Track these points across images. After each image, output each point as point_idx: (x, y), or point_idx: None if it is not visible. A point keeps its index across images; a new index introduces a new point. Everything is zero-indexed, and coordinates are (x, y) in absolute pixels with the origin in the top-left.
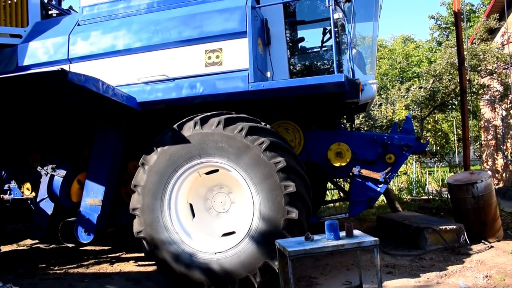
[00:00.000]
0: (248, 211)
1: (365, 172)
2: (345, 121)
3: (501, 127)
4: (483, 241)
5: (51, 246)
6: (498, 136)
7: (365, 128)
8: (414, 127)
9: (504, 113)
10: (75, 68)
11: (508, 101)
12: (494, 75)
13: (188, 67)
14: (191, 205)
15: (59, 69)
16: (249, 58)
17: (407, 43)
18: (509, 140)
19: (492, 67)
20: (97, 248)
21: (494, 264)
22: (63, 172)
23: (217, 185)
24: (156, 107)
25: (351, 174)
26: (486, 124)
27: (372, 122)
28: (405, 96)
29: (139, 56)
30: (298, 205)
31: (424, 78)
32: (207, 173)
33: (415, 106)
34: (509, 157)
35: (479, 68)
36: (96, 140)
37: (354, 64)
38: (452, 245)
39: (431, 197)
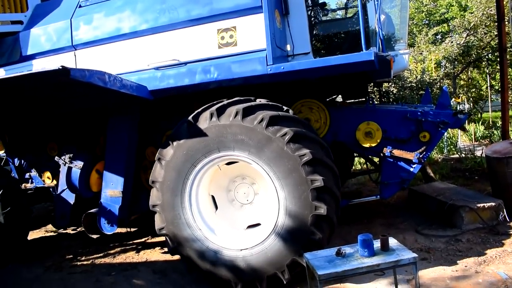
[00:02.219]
0: (273, 206)
1: (397, 152)
2: (372, 86)
3: None
4: None
5: (78, 229)
6: None
7: (394, 91)
8: (447, 85)
9: None
10: (81, 55)
11: None
12: None
13: (200, 49)
14: (213, 197)
15: (61, 67)
16: (266, 37)
17: None
18: None
19: None
20: (123, 230)
21: None
22: (80, 164)
23: (239, 175)
24: (168, 94)
25: (382, 154)
26: None
27: (401, 83)
28: (434, 49)
29: (147, 39)
30: (326, 199)
31: (458, 31)
32: (228, 164)
33: (447, 63)
34: None
35: None
36: (109, 130)
37: (383, 33)
38: (490, 224)
39: (463, 155)
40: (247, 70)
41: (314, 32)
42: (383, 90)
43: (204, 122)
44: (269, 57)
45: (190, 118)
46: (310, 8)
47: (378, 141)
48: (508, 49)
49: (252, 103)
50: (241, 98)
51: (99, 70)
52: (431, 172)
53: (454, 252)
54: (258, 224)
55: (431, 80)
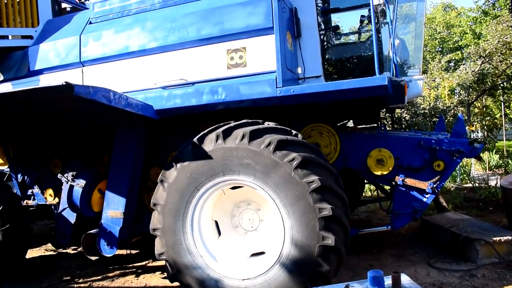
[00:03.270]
0: (279, 234)
1: (410, 181)
2: (384, 112)
3: None
4: None
5: (78, 249)
6: None
7: (407, 117)
8: (461, 113)
9: None
10: (88, 71)
11: None
12: None
13: (208, 69)
14: (216, 223)
15: (64, 83)
16: (277, 58)
17: (448, 10)
18: None
19: None
20: (124, 252)
21: None
22: (82, 182)
23: (244, 200)
24: (175, 114)
25: (393, 183)
26: None
27: (414, 109)
28: (448, 76)
29: (155, 58)
30: (334, 229)
31: (472, 58)
32: (233, 188)
33: (461, 91)
34: None
35: None
36: (114, 149)
37: (397, 58)
38: (507, 259)
39: (476, 185)
40: (256, 92)
41: (326, 56)
42: (396, 116)
43: (209, 144)
44: (279, 80)
45: (195, 139)
46: (323, 31)
47: (390, 169)
48: None
49: (260, 126)
50: (249, 121)
51: (104, 87)
52: (444, 201)
53: None
54: (262, 253)
55: (445, 107)
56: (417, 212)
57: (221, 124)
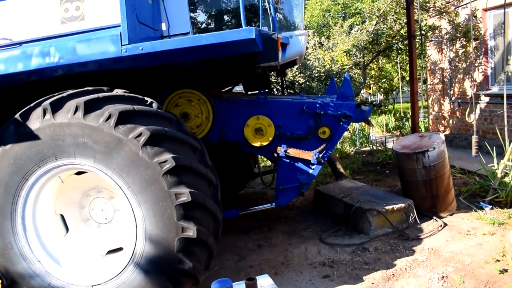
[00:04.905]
0: (131, 228)
1: (293, 151)
2: (273, 75)
3: (448, 70)
4: (434, 217)
5: None
6: (445, 80)
7: (301, 81)
8: (357, 75)
9: (452, 55)
10: None
11: (457, 42)
12: (444, 14)
13: (38, 25)
14: (62, 216)
15: None
16: (121, 8)
17: None
18: (456, 85)
19: (441, 4)
20: None
21: (450, 255)
22: None
23: (94, 188)
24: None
25: (276, 154)
26: (432, 66)
27: (308, 72)
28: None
29: None
30: (197, 217)
31: (367, 18)
32: (78, 173)
33: (356, 52)
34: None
35: (428, 7)
36: None
37: (274, 9)
38: (400, 228)
39: (375, 148)
40: (97, 51)
41: (196, 10)
42: (287, 81)
43: (35, 121)
44: (124, 35)
45: (17, 116)
46: None
47: (271, 139)
48: (417, 37)
49: (100, 95)
50: (89, 89)
51: None
52: (341, 167)
53: (360, 265)
54: (120, 249)
55: (340, 70)
56: (303, 186)
57: (55, 94)
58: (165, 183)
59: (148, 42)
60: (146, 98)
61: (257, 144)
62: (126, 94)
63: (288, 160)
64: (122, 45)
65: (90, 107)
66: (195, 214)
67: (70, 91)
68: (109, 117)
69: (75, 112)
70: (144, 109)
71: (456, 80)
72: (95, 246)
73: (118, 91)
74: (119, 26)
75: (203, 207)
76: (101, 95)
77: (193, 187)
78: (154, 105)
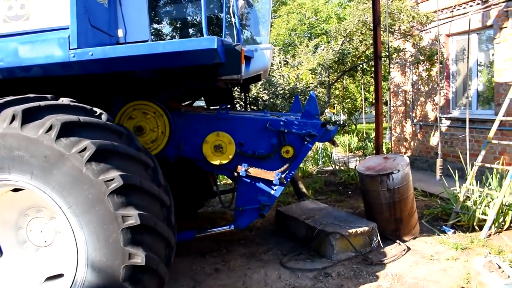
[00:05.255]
0: (72, 253)
1: (254, 171)
2: (237, 90)
3: (411, 92)
4: (398, 241)
5: None
6: (408, 102)
7: (265, 97)
8: (322, 94)
9: (415, 78)
10: None
11: (421, 66)
12: (408, 37)
13: None
14: None
15: None
16: (71, 9)
17: None
18: (418, 107)
19: (406, 27)
20: None
21: (414, 281)
22: None
23: (33, 206)
24: None
25: (236, 174)
26: (395, 88)
27: (273, 89)
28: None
29: None
30: (146, 242)
31: (333, 37)
32: (14, 190)
33: (322, 71)
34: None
35: (394, 29)
36: None
37: (239, 19)
38: (363, 252)
39: (337, 167)
40: (42, 55)
41: (157, 17)
42: (250, 98)
43: None
44: (73, 38)
45: None
46: None
47: (231, 157)
48: (383, 58)
49: (41, 103)
50: (30, 96)
51: None
52: (303, 187)
53: None
54: (61, 275)
55: (305, 88)
56: (264, 208)
57: None
58: (111, 204)
59: (99, 48)
60: (95, 109)
61: (216, 162)
62: (72, 103)
63: (249, 180)
64: (70, 49)
65: (29, 117)
66: (144, 238)
67: (8, 98)
68: (50, 128)
69: (11, 122)
70: (91, 121)
71: (418, 102)
72: (33, 271)
73: (64, 100)
74: (67, 28)
75: (154, 231)
76: (43, 103)
77: (143, 208)
78: (104, 116)
